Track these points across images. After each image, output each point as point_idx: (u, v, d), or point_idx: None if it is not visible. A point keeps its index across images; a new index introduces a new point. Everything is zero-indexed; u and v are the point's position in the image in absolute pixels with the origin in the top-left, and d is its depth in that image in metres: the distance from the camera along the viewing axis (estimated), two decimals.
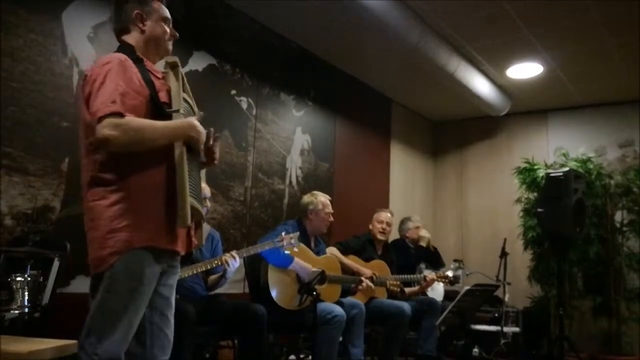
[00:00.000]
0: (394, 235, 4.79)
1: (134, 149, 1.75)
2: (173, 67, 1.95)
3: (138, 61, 1.88)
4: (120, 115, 1.70)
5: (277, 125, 4.95)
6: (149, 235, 1.77)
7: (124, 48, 1.93)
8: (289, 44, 5.12)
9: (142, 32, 1.96)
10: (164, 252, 1.84)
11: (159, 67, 2.04)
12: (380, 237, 4.46)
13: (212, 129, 1.98)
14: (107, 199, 1.75)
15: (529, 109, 6.81)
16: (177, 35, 2.07)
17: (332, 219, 3.92)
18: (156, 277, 1.84)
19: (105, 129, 1.67)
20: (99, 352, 1.71)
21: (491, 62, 5.48)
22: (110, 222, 1.73)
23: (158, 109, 1.83)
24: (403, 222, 4.98)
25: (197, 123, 1.85)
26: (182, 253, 1.93)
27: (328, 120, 5.62)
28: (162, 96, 1.87)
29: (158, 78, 1.93)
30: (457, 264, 4.63)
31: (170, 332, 1.95)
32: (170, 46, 2.05)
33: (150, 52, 1.98)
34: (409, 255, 4.76)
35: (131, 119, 1.72)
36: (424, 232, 4.87)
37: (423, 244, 4.80)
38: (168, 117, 1.83)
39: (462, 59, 5.24)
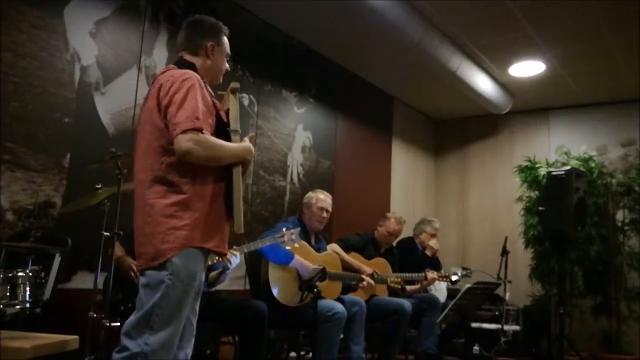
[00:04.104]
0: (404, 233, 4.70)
1: (208, 163, 1.93)
2: (234, 92, 2.18)
3: (203, 82, 2.05)
4: (201, 131, 1.87)
5: (279, 122, 4.95)
6: (205, 236, 1.93)
7: (189, 67, 2.08)
8: (291, 41, 5.11)
9: (208, 60, 2.16)
10: (209, 253, 1.99)
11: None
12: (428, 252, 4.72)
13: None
14: (168, 198, 1.90)
15: (531, 107, 6.80)
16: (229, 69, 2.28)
17: (325, 215, 3.81)
18: (202, 276, 1.99)
19: (189, 142, 1.84)
20: (150, 342, 1.81)
21: (493, 60, 5.48)
22: (170, 220, 1.87)
23: (221, 128, 2.01)
24: (423, 222, 4.88)
25: (252, 148, 2.07)
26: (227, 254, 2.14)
27: (329, 118, 5.62)
28: (222, 116, 2.06)
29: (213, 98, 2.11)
30: (465, 272, 4.60)
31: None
32: (221, 79, 2.27)
33: (206, 78, 2.14)
34: (418, 257, 4.69)
35: (209, 137, 1.91)
36: (434, 243, 4.77)
37: (429, 253, 4.75)
38: (228, 135, 2.02)
39: (464, 56, 5.23)
